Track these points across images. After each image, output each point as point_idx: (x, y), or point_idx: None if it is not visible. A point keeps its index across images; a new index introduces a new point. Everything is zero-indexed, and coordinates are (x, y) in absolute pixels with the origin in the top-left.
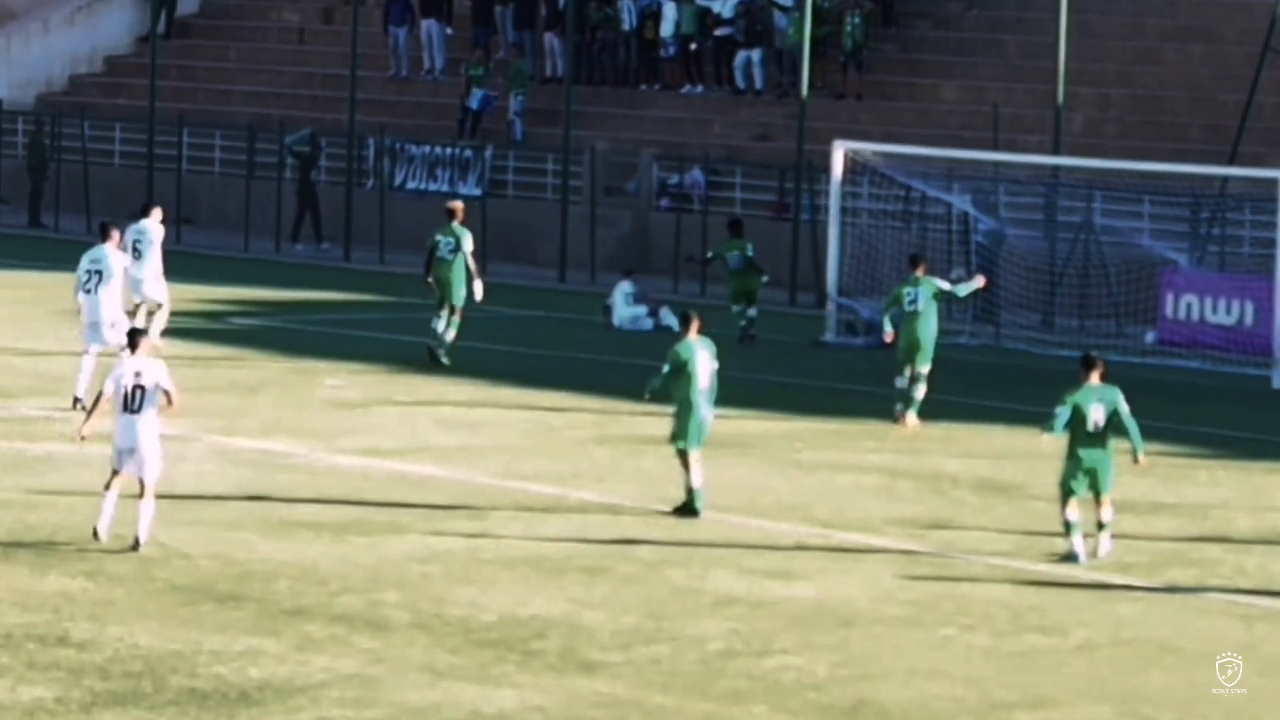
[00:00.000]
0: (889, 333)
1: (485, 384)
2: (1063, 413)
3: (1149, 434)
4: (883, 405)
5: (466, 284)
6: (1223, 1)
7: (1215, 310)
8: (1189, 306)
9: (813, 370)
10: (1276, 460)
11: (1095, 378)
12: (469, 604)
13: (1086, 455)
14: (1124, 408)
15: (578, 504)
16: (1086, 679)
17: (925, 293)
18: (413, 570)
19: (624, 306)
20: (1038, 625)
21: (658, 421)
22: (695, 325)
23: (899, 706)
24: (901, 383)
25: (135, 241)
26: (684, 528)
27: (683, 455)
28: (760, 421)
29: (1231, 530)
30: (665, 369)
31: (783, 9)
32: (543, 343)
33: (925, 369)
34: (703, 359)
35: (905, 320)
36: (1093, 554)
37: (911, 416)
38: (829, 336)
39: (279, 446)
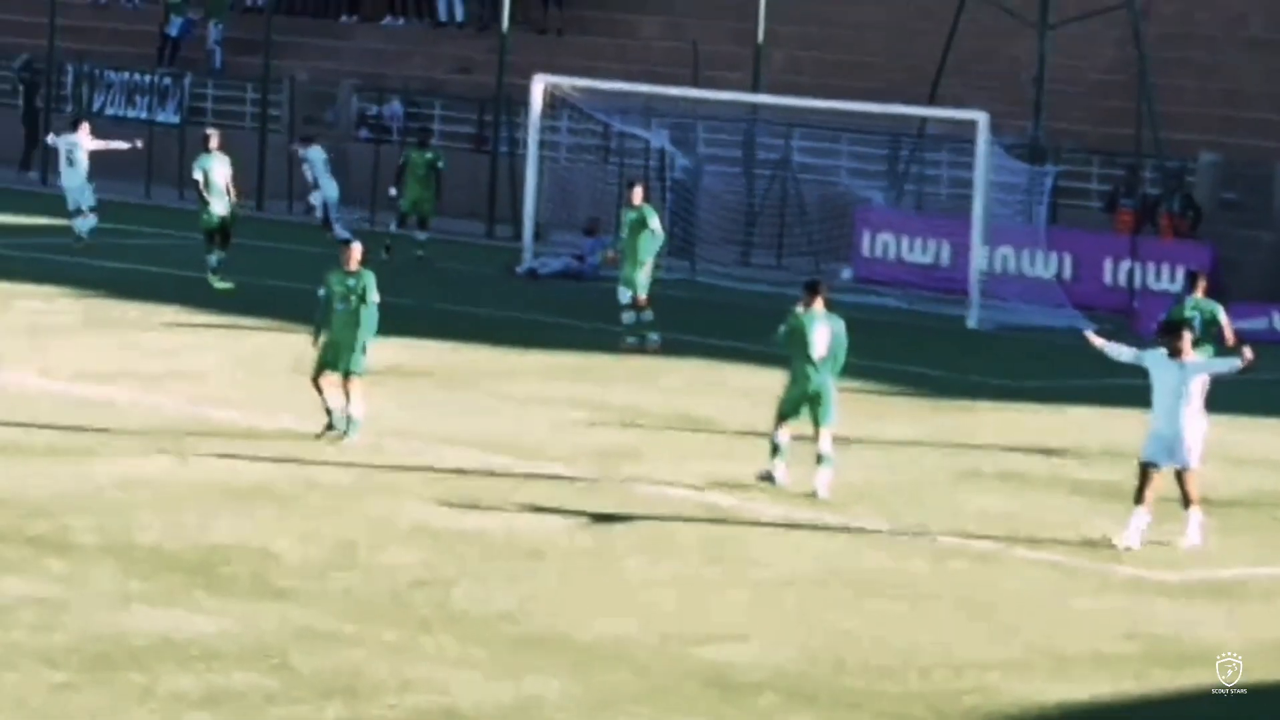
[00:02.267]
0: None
1: (186, 311)
2: (784, 329)
3: (846, 371)
4: (580, 337)
5: None
6: None
7: (912, 249)
8: (885, 245)
9: (511, 302)
10: (968, 398)
11: (819, 304)
12: (160, 529)
13: (812, 381)
14: (843, 338)
15: (274, 433)
16: (774, 614)
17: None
18: (106, 495)
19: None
20: (725, 558)
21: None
22: (356, 254)
23: (586, 639)
24: (629, 317)
25: (69, 152)
26: (380, 458)
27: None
28: (458, 354)
29: (921, 468)
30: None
31: None
32: (243, 271)
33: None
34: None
35: (628, 246)
36: (813, 493)
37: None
38: (523, 266)
39: None
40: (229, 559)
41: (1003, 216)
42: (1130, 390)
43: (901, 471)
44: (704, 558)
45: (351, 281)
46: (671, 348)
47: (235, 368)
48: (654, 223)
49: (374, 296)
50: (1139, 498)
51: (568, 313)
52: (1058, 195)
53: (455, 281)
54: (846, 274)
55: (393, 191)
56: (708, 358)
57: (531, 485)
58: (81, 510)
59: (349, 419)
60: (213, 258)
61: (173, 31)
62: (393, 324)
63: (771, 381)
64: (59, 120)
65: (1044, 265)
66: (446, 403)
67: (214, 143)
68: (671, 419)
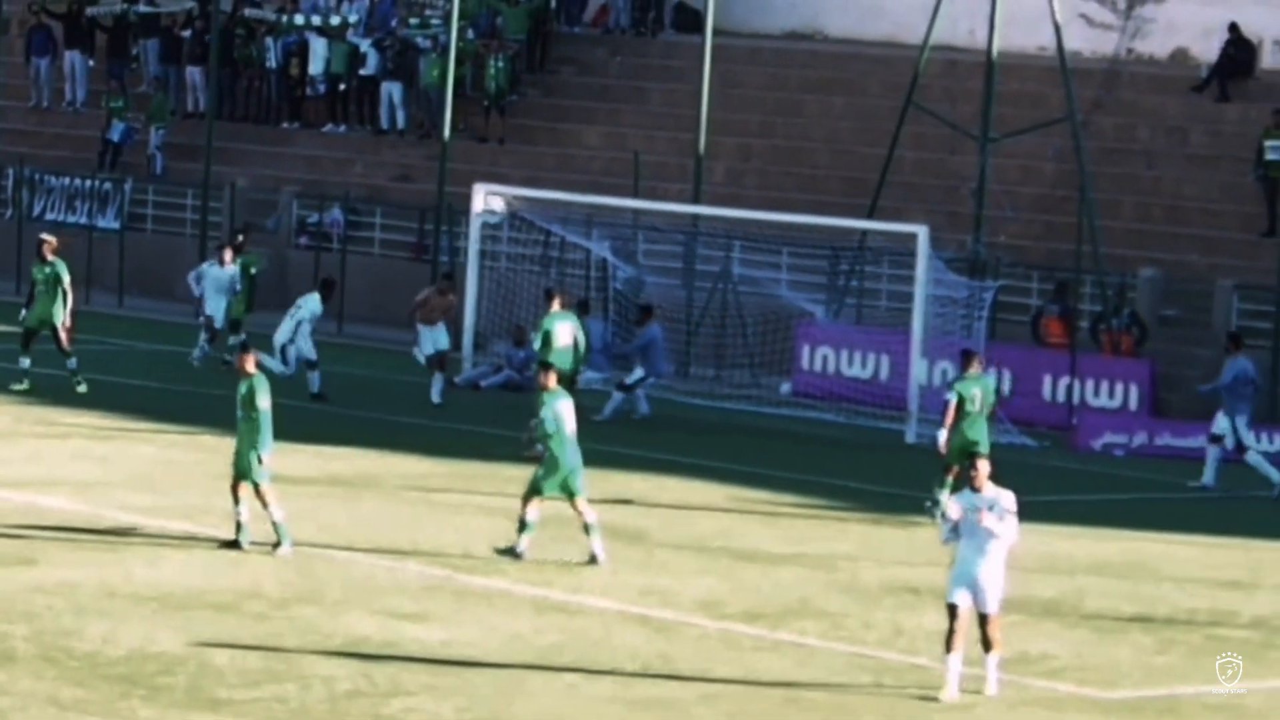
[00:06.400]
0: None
1: (118, 417)
2: (547, 416)
3: (780, 485)
4: (517, 448)
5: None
6: (865, 55)
7: (851, 363)
8: (825, 359)
9: (442, 411)
10: (905, 514)
11: (552, 382)
12: (97, 638)
13: (564, 459)
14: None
15: (208, 540)
16: None
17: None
18: (40, 603)
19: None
20: (664, 672)
21: (290, 459)
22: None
23: None
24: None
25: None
26: (317, 567)
27: (256, 489)
28: (390, 461)
29: (859, 583)
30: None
31: (420, 50)
32: (177, 378)
33: None
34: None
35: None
36: (590, 559)
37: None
38: (462, 376)
39: None
40: (165, 668)
41: (942, 331)
42: (1069, 506)
43: (839, 588)
44: (642, 672)
45: (244, 389)
46: (608, 460)
47: (171, 474)
48: (550, 326)
49: (261, 402)
50: (948, 645)
51: (504, 423)
52: (998, 310)
53: (394, 391)
54: (786, 388)
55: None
56: (643, 470)
57: (469, 596)
58: (16, 618)
59: (275, 526)
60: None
61: (114, 136)
62: (331, 433)
63: (710, 495)
64: None
65: None
66: (383, 513)
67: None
68: (607, 531)
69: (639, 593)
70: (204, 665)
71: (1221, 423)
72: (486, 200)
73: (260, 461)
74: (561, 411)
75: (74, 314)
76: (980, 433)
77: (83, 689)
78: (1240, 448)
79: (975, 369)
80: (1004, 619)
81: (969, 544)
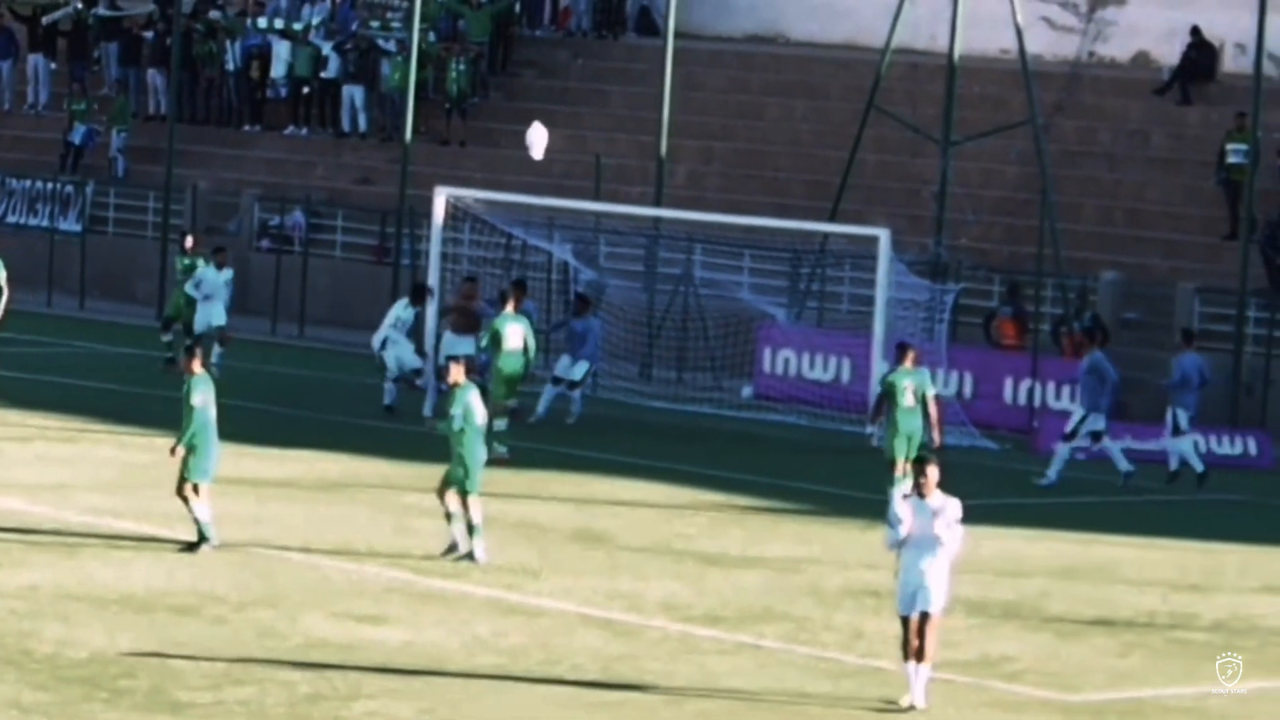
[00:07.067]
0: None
1: (79, 420)
2: (457, 412)
3: (742, 488)
4: None
5: None
6: (827, 59)
7: (813, 367)
8: (787, 361)
9: (411, 415)
10: (867, 517)
11: (460, 375)
12: (58, 641)
13: (475, 452)
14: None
15: (169, 543)
16: None
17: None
18: (1, 606)
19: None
20: (625, 675)
21: (249, 462)
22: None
23: None
24: (500, 424)
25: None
26: (279, 570)
27: (195, 489)
28: (349, 464)
29: (820, 586)
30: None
31: (385, 53)
32: (139, 381)
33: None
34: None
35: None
36: (468, 555)
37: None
38: (424, 380)
39: None
40: (126, 671)
41: (904, 334)
42: (1030, 509)
43: (800, 591)
44: (602, 676)
45: (185, 389)
46: (570, 463)
47: (132, 477)
48: (500, 327)
49: (195, 400)
50: (906, 653)
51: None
52: (959, 313)
53: (355, 394)
54: (747, 391)
55: None
56: (605, 473)
57: (430, 599)
58: None
59: (197, 524)
60: None
61: (76, 139)
62: (290, 436)
63: (672, 498)
64: None
65: (944, 383)
66: (343, 515)
67: None
68: (570, 534)
69: (600, 595)
70: (165, 668)
71: (1098, 421)
72: (527, 138)
73: (190, 457)
74: (473, 404)
75: (6, 311)
76: (914, 426)
77: (44, 692)
78: (1095, 436)
79: (909, 363)
80: (965, 622)
81: (913, 551)
